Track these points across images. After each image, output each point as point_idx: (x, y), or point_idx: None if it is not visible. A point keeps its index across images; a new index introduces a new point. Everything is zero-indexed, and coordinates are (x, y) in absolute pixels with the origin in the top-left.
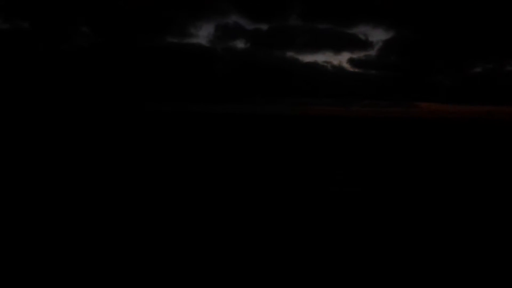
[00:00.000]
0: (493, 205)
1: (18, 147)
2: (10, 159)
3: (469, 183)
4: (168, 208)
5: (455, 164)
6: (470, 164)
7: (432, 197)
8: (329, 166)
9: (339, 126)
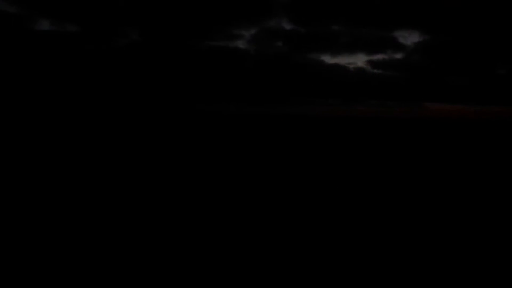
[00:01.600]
0: (499, 206)
1: (72, 146)
2: (66, 155)
3: (476, 184)
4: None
5: (462, 165)
6: (479, 165)
7: (438, 198)
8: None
9: (348, 126)
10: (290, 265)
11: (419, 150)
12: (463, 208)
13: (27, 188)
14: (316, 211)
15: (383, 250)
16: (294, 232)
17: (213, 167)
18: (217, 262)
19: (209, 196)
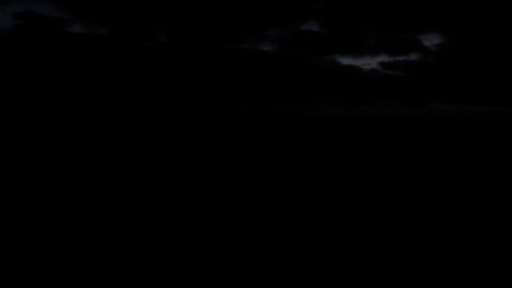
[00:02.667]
0: (503, 207)
1: (97, 143)
2: (99, 154)
3: (481, 185)
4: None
5: (467, 166)
6: (484, 166)
7: (442, 199)
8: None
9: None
10: (291, 265)
11: (426, 150)
12: (474, 211)
13: (39, 181)
14: (323, 210)
15: (393, 251)
16: (309, 231)
17: (226, 165)
18: (218, 262)
19: (220, 194)
